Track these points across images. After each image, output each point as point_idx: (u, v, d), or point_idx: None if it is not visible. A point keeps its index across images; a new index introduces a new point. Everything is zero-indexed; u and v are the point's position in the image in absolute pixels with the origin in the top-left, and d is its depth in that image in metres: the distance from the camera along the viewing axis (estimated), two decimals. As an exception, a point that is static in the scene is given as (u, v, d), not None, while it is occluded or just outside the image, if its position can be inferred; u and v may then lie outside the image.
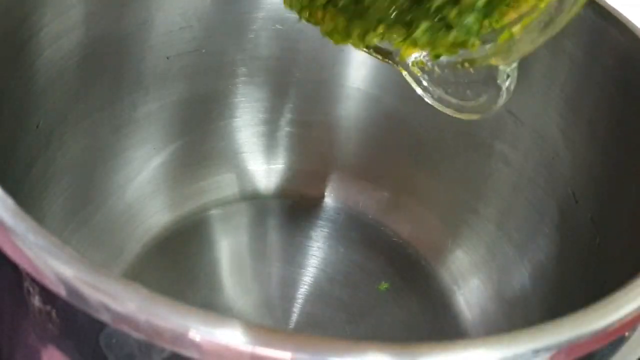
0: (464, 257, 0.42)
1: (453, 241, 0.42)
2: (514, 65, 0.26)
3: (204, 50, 0.40)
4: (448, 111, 0.27)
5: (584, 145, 0.34)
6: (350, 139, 0.46)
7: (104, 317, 0.16)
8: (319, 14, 0.27)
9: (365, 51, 0.27)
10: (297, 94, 0.44)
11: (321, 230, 0.44)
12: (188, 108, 0.42)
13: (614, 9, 0.32)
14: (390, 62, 0.28)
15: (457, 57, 0.26)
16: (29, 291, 0.18)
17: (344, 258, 0.42)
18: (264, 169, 0.46)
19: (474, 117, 0.27)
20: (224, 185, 0.44)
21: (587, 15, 0.33)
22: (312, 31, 0.43)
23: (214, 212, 0.43)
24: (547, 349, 0.17)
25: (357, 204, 0.45)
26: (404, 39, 0.25)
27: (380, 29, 0.26)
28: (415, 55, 0.27)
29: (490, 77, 0.27)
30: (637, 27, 0.31)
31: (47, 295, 0.17)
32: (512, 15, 0.24)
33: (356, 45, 0.27)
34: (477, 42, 0.24)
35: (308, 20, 0.27)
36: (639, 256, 0.27)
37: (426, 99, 0.27)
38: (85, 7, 0.33)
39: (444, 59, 0.26)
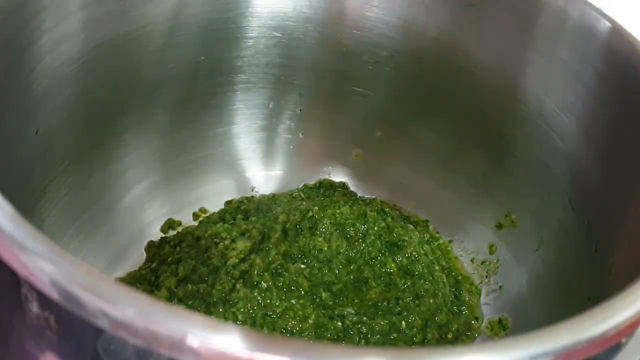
0: (461, 262, 0.42)
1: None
2: None
3: (202, 57, 0.40)
4: None
5: (580, 152, 0.34)
6: (349, 146, 0.46)
7: (102, 323, 0.16)
8: None
9: None
10: (295, 100, 0.45)
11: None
12: (187, 114, 0.42)
13: (609, 17, 0.33)
14: None
15: None
16: (27, 297, 0.18)
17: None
18: (263, 175, 0.46)
19: None
20: (223, 191, 0.44)
21: (583, 23, 0.33)
22: (310, 39, 0.43)
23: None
24: (544, 354, 0.17)
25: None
26: None
27: None
28: None
29: None
30: (632, 34, 0.32)
31: (45, 301, 0.17)
32: None
33: None
34: None
35: None
36: (636, 262, 0.27)
37: None
38: (85, 14, 0.33)
39: None
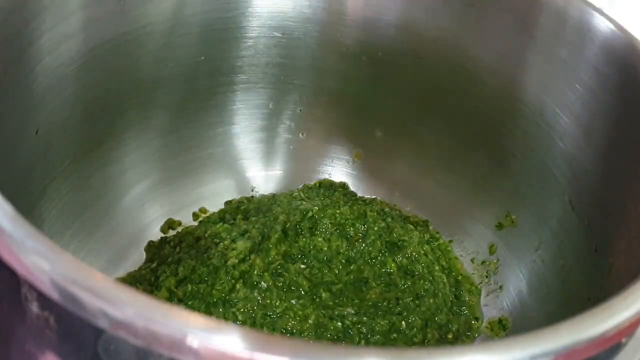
0: (461, 262, 0.42)
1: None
2: None
3: (202, 57, 0.40)
4: None
5: (580, 152, 0.34)
6: (349, 146, 0.46)
7: (102, 323, 0.16)
8: None
9: None
10: (295, 100, 0.45)
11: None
12: (187, 114, 0.42)
13: (609, 17, 0.33)
14: None
15: None
16: (26, 297, 0.18)
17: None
18: (262, 175, 0.46)
19: None
20: (223, 191, 0.44)
21: (583, 23, 0.33)
22: (310, 39, 0.43)
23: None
24: (544, 354, 0.17)
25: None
26: None
27: None
28: None
29: None
30: (632, 34, 0.32)
31: (45, 301, 0.17)
32: None
33: None
34: None
35: None
36: (636, 262, 0.27)
37: None
38: (85, 13, 0.33)
39: None
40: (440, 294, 0.37)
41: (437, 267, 0.39)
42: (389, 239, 0.38)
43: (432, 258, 0.39)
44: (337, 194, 0.43)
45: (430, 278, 0.37)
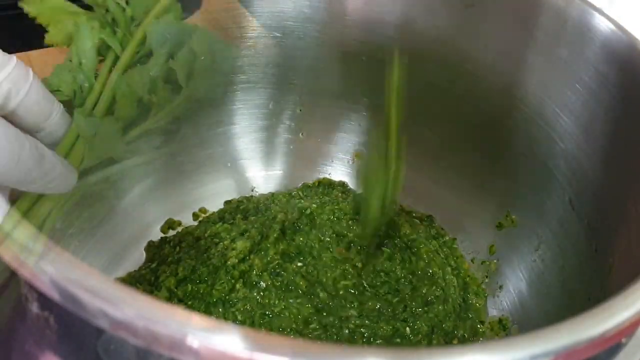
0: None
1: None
2: None
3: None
4: None
5: (580, 152, 0.34)
6: (349, 146, 0.46)
7: (102, 323, 0.16)
8: None
9: None
10: (295, 100, 0.45)
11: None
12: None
13: (609, 17, 0.32)
14: None
15: None
16: (26, 297, 0.18)
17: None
18: (262, 175, 0.46)
19: None
20: (222, 191, 0.44)
21: (583, 23, 0.33)
22: (310, 39, 0.43)
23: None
24: (544, 354, 0.17)
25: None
26: None
27: None
28: None
29: None
30: (632, 34, 0.32)
31: (45, 301, 0.17)
32: None
33: None
34: None
35: None
36: (636, 262, 0.27)
37: None
38: (85, 14, 0.33)
39: None
40: (450, 300, 0.36)
41: (448, 269, 0.38)
42: (399, 241, 0.38)
43: (442, 257, 0.39)
44: (335, 191, 0.43)
45: (443, 284, 0.37)
